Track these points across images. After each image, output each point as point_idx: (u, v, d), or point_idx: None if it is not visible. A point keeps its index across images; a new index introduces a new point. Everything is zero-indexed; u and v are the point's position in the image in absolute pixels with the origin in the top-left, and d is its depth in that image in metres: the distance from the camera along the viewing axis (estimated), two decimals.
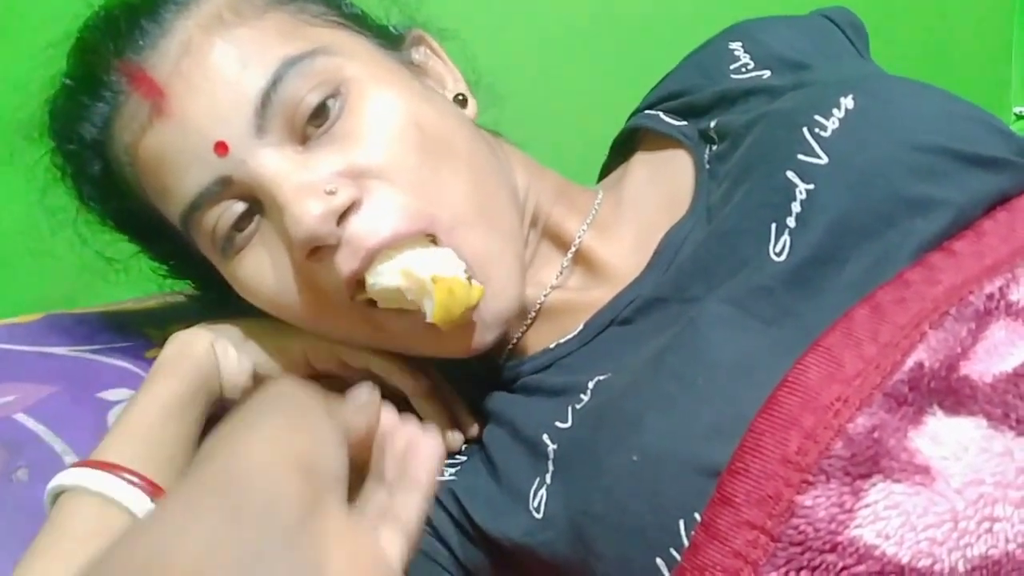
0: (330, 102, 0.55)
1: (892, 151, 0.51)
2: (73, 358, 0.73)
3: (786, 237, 0.50)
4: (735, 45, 0.67)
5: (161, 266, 0.69)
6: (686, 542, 0.42)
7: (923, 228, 0.47)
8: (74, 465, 0.57)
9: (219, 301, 0.65)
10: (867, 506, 0.38)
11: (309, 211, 0.51)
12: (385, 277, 0.53)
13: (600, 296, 0.60)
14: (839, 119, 0.53)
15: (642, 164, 0.67)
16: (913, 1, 1.30)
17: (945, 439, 0.38)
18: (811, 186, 0.51)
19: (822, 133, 0.53)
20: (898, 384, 0.40)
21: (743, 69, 0.65)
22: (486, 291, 0.55)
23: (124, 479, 0.54)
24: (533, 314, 0.63)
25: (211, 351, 0.62)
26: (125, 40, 0.57)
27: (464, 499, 0.55)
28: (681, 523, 0.42)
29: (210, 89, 0.54)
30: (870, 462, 0.38)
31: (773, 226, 0.51)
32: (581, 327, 0.59)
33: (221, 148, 0.54)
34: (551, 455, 0.51)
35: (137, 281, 0.92)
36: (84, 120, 0.59)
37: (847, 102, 0.54)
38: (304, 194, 0.52)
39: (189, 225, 0.57)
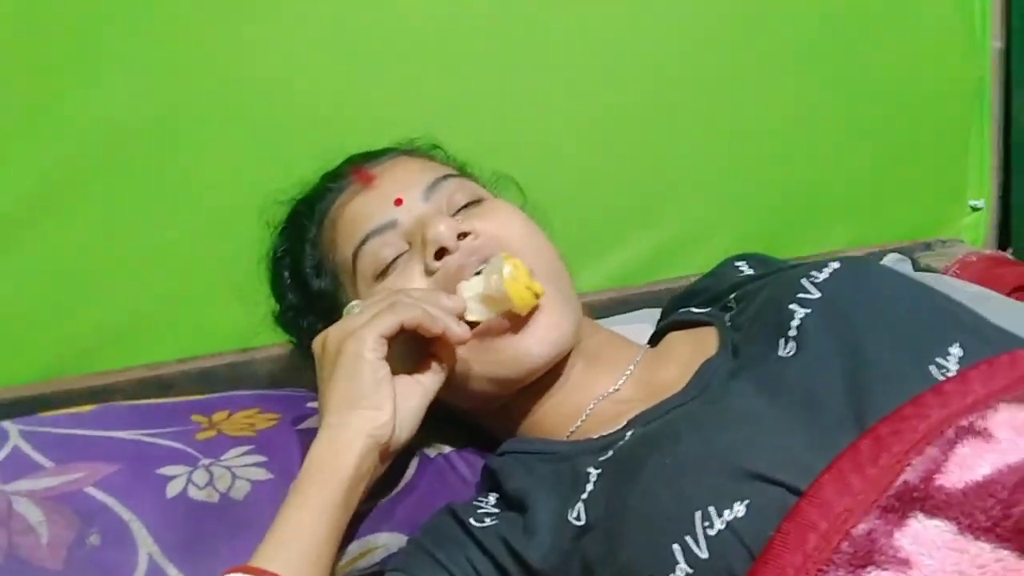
0: (472, 206, 0.87)
1: (866, 296, 0.72)
2: (133, 440, 0.83)
3: (792, 343, 0.70)
4: (740, 263, 0.92)
5: (290, 319, 0.96)
6: (700, 532, 0.57)
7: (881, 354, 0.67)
8: (238, 569, 0.65)
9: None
10: None
11: (443, 226, 0.80)
12: (473, 285, 0.79)
13: (645, 404, 0.75)
14: (828, 273, 0.75)
15: (675, 336, 0.87)
16: (882, 105, 1.46)
17: (923, 539, 0.51)
18: (808, 310, 0.72)
19: (815, 280, 0.74)
20: (890, 499, 0.53)
21: (748, 276, 0.89)
22: (546, 292, 0.79)
23: None
24: (584, 417, 0.81)
25: (370, 452, 0.71)
26: (361, 160, 0.93)
27: (508, 536, 0.70)
28: (698, 515, 0.57)
29: (401, 177, 0.88)
30: (867, 556, 0.51)
31: (781, 341, 0.71)
32: (624, 423, 0.74)
33: (398, 201, 0.85)
34: (592, 479, 0.67)
35: (145, 346, 1.15)
36: (320, 199, 0.92)
37: (834, 264, 0.76)
38: (443, 222, 0.81)
39: (358, 255, 0.85)
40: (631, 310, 1.31)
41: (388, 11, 1.21)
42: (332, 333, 0.74)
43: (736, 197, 1.42)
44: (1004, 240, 1.60)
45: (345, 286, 0.88)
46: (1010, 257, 1.49)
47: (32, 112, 1.08)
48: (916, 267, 1.46)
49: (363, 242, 0.85)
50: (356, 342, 0.71)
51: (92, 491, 0.75)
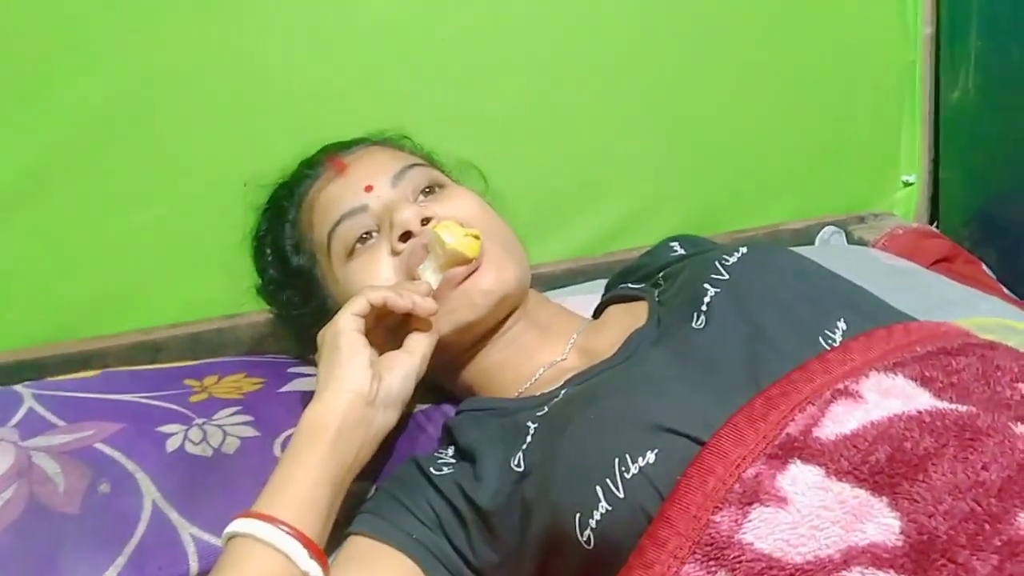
0: (437, 189, 0.98)
1: (767, 278, 0.83)
2: (135, 403, 0.92)
3: (703, 317, 0.81)
4: (674, 243, 1.03)
5: (272, 292, 1.06)
6: (618, 475, 0.67)
7: (776, 328, 0.77)
8: (242, 515, 0.72)
9: (297, 320, 1.02)
10: (750, 520, 0.61)
11: (409, 212, 0.91)
12: (426, 265, 0.90)
13: (582, 368, 0.87)
14: (737, 257, 0.86)
15: (614, 309, 0.98)
16: (820, 88, 1.56)
17: (798, 481, 0.63)
18: (718, 289, 0.83)
19: (726, 263, 0.85)
20: (775, 448, 0.65)
21: (679, 255, 1.00)
22: (492, 250, 0.91)
23: (283, 531, 0.71)
24: (532, 381, 0.92)
25: (354, 406, 0.80)
26: (336, 149, 1.03)
27: (461, 482, 0.80)
28: (616, 461, 0.67)
29: (371, 166, 0.99)
30: (753, 494, 0.62)
31: (695, 314, 0.82)
32: (562, 383, 0.86)
33: (368, 188, 0.95)
34: (531, 431, 0.78)
35: (138, 312, 1.24)
36: (299, 184, 1.03)
37: (743, 249, 0.87)
38: (408, 208, 0.92)
39: (332, 236, 0.95)
40: (587, 280, 1.42)
41: (362, 9, 1.32)
42: (322, 330, 0.86)
43: (683, 175, 1.52)
44: (934, 213, 1.71)
45: (320, 263, 0.99)
46: (935, 230, 1.61)
47: (30, 95, 1.18)
48: (850, 239, 1.57)
49: (337, 224, 0.95)
50: (333, 325, 0.84)
51: (100, 447, 0.85)
